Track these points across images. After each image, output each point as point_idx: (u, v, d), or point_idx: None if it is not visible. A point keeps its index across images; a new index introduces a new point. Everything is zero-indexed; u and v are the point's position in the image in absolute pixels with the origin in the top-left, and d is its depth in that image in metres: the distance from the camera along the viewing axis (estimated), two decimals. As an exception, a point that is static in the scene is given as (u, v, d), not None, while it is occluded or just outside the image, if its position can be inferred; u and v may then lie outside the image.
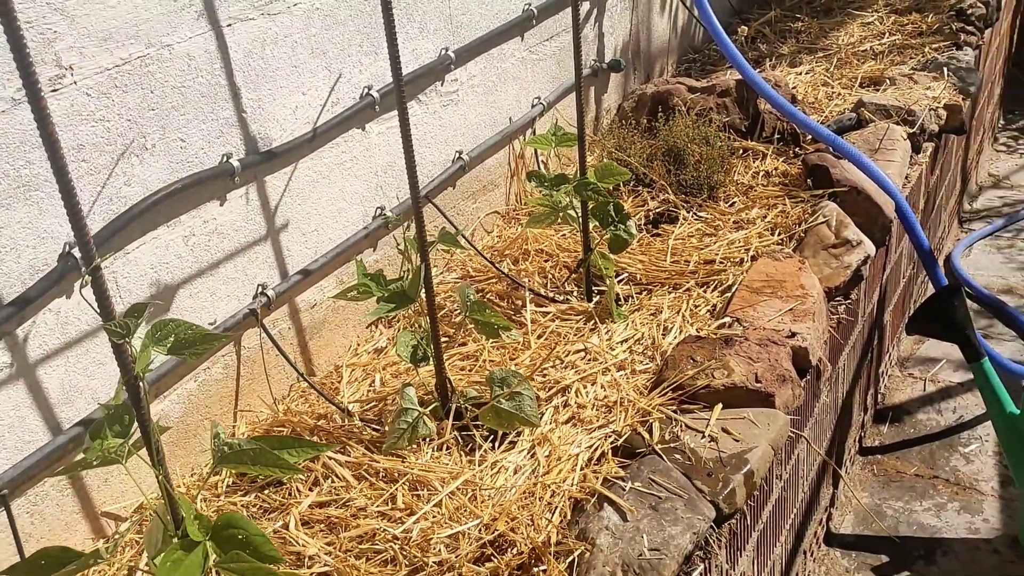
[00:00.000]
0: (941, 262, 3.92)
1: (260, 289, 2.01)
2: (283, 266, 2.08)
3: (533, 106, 2.93)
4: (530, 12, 2.80)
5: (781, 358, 2.01)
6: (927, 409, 3.08)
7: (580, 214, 2.34)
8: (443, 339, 2.27)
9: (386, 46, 2.27)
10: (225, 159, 1.88)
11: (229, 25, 1.86)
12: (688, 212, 2.78)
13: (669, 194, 2.84)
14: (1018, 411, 2.43)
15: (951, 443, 2.92)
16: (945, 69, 3.46)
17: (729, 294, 2.29)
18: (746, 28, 3.98)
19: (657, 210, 2.82)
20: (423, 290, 1.79)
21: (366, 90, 2.22)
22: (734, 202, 2.81)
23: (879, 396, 3.10)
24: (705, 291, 2.36)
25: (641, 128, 3.12)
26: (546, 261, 2.61)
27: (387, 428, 1.86)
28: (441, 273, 2.58)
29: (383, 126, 2.31)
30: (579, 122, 2.25)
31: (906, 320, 2.91)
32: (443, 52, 2.47)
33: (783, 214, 2.67)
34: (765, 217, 2.69)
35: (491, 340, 2.11)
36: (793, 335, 2.08)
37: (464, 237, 2.53)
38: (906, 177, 3.00)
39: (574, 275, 2.49)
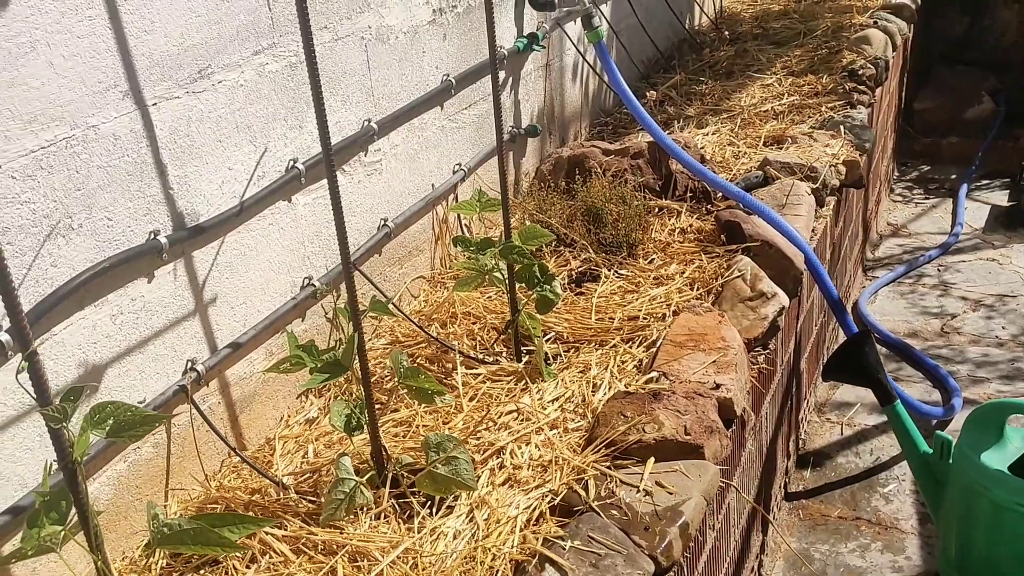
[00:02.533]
0: (849, 309, 4.10)
1: (189, 365, 1.99)
2: (212, 340, 2.07)
3: (455, 172, 3.00)
4: (448, 82, 2.88)
5: (708, 410, 2.08)
6: (846, 452, 3.19)
7: (506, 276, 2.39)
8: (376, 406, 2.28)
9: (310, 119, 2.32)
10: (152, 236, 1.87)
11: (155, 104, 1.87)
12: (609, 270, 2.86)
13: (590, 253, 2.92)
14: (931, 451, 2.54)
15: (871, 484, 3.03)
16: (842, 127, 3.66)
17: (654, 349, 2.36)
18: (654, 92, 4.13)
19: (580, 269, 2.89)
20: (356, 358, 1.80)
21: (292, 162, 2.25)
22: (653, 259, 2.90)
23: (800, 442, 3.20)
24: (631, 347, 2.42)
25: (560, 190, 3.21)
26: (474, 323, 2.64)
27: (324, 499, 1.85)
28: (370, 339, 2.59)
29: (309, 197, 2.33)
30: (502, 188, 2.31)
31: (821, 367, 3.03)
32: (365, 123, 2.52)
33: (700, 269, 2.77)
34: (683, 272, 2.78)
35: (425, 405, 2.12)
36: (718, 387, 2.15)
37: (392, 303, 2.55)
38: (812, 230, 3.15)
39: (503, 336, 2.53)
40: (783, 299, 2.58)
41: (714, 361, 2.23)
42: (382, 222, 2.64)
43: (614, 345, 2.44)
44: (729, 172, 3.43)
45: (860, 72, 4.24)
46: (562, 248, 3.00)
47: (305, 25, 1.57)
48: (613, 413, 2.05)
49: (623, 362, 2.35)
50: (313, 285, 2.34)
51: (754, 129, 3.80)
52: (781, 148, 3.56)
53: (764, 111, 3.99)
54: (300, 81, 2.26)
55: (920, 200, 5.31)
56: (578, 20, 3.60)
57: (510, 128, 3.33)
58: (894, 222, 5.05)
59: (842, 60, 4.51)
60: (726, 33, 4.94)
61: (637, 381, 2.23)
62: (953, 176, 5.55)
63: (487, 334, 2.59)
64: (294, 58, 2.23)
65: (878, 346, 3.74)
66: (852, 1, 5.52)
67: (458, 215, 3.03)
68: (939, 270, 4.41)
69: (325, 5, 2.33)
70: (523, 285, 2.39)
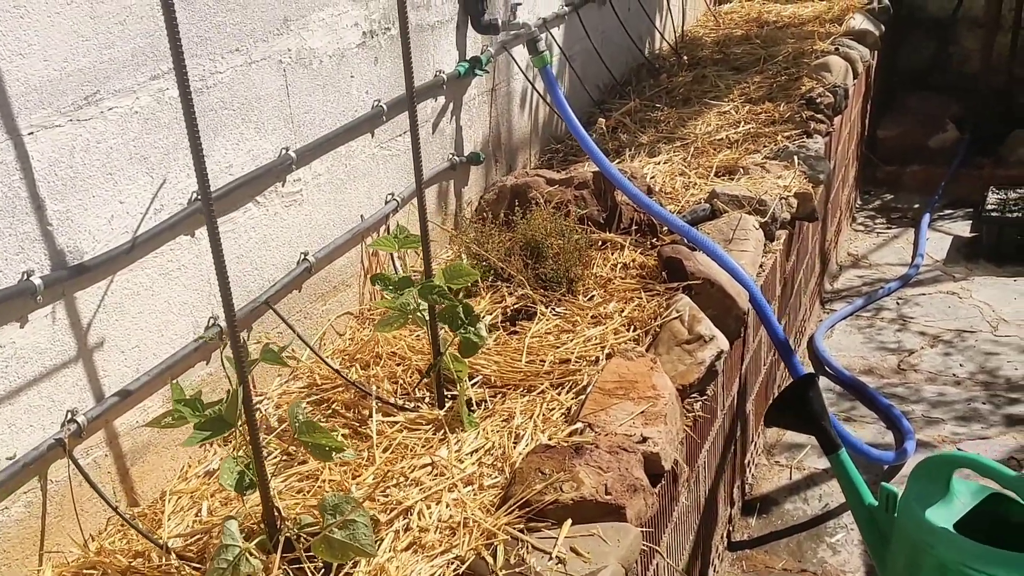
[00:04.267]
0: (804, 344, 3.99)
1: (69, 416, 1.83)
2: (98, 388, 1.91)
3: (387, 202, 2.86)
4: (380, 108, 2.74)
5: (632, 466, 1.94)
6: (794, 498, 3.07)
7: (429, 317, 2.25)
8: (283, 458, 2.13)
9: (219, 146, 2.18)
10: (25, 277, 1.72)
11: (31, 134, 1.72)
12: (547, 307, 2.73)
13: (528, 289, 2.78)
14: (876, 503, 2.42)
15: (818, 533, 2.90)
16: (796, 157, 3.56)
17: (583, 396, 2.22)
18: (604, 120, 4.02)
19: (515, 306, 2.76)
20: (243, 414, 1.66)
21: (195, 195, 2.10)
22: (593, 295, 2.77)
23: (746, 487, 3.07)
24: (560, 393, 2.29)
25: (500, 222, 3.08)
26: (398, 365, 2.50)
27: (207, 568, 1.70)
28: (286, 382, 2.44)
29: (215, 232, 2.18)
30: (422, 223, 2.17)
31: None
32: (283, 152, 2.38)
33: (640, 308, 2.64)
34: (623, 311, 2.65)
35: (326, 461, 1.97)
36: (644, 440, 2.02)
37: (307, 344, 2.40)
38: (760, 265, 3.03)
39: (425, 380, 2.39)
40: (722, 342, 2.46)
41: (643, 412, 2.10)
42: (302, 256, 2.49)
43: (542, 391, 2.30)
44: (678, 203, 3.31)
45: (818, 100, 4.15)
46: (499, 283, 2.87)
47: (176, 49, 1.43)
48: (531, 470, 1.91)
49: (550, 410, 2.22)
50: (219, 325, 2.19)
51: (707, 158, 3.69)
52: (733, 179, 3.45)
53: (719, 139, 3.89)
54: (206, 107, 2.12)
55: (882, 230, 5.22)
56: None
57: (450, 155, 3.19)
58: (855, 252, 4.96)
59: (801, 87, 4.42)
60: (684, 58, 4.85)
61: (561, 432, 2.09)
62: (916, 205, 5.47)
63: (411, 377, 2.44)
64: (199, 83, 2.09)
65: (832, 384, 3.63)
66: (815, 27, 5.45)
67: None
68: (898, 303, 4.32)
69: (238, 27, 2.19)
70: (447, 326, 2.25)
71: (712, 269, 2.70)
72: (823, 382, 3.70)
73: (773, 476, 3.18)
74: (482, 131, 3.41)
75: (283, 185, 2.41)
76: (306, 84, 2.45)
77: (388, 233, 2.82)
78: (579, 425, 2.09)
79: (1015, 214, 4.68)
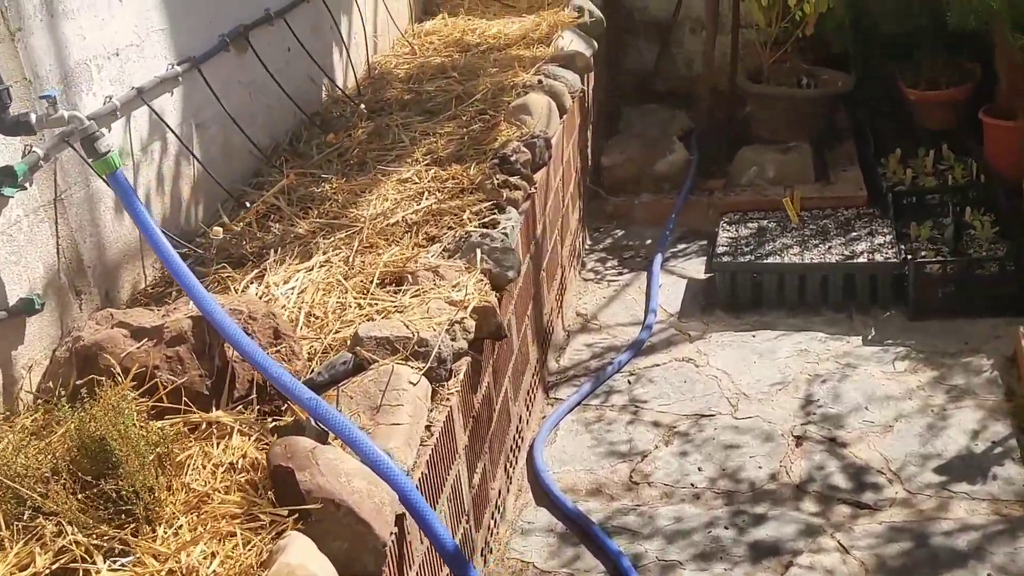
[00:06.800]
0: (525, 458, 3.31)
1: None
2: None
3: None
4: None
5: None
6: None
7: None
8: None
9: None
10: None
11: None
12: (106, 559, 1.85)
13: (78, 532, 1.88)
14: None
15: None
16: (479, 251, 2.83)
17: None
18: (219, 229, 3.05)
19: (53, 566, 1.85)
20: None
21: None
22: (181, 527, 1.91)
23: None
24: None
25: (62, 407, 2.15)
26: None
27: None
28: None
29: None
30: None
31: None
32: None
33: (231, 557, 1.81)
34: (212, 560, 1.81)
35: None
36: None
37: None
38: (428, 428, 2.28)
39: None
40: (340, 624, 1.67)
41: None
42: None
43: None
44: (325, 337, 2.49)
45: (513, 159, 3.45)
46: (41, 520, 1.94)
47: None
48: None
49: None
50: None
51: (374, 257, 2.90)
52: (399, 292, 2.67)
53: (393, 224, 3.10)
54: None
55: (613, 276, 4.66)
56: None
57: (-23, 315, 2.22)
58: (584, 311, 4.36)
59: (498, 136, 3.73)
60: (363, 107, 4.03)
61: None
62: (648, 241, 4.96)
63: None
64: None
65: (555, 521, 2.96)
66: (521, 49, 4.79)
67: None
68: (630, 382, 3.73)
69: None
70: None
71: (340, 478, 1.90)
72: (543, 519, 3.02)
73: None
74: (43, 263, 2.45)
75: None
76: None
77: None
78: None
79: (747, 256, 4.23)
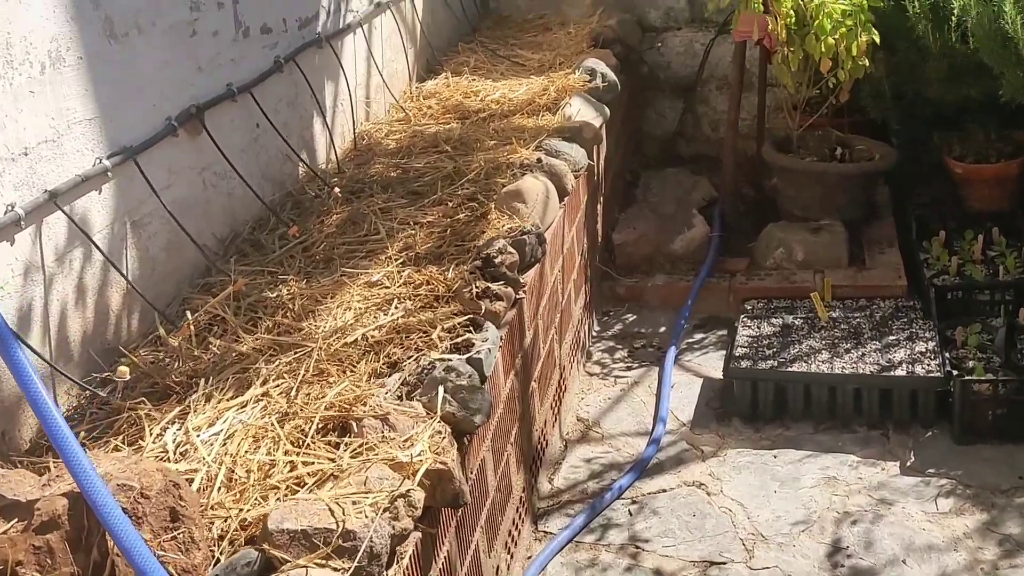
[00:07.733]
0: (500, 615, 2.84)
1: None
2: None
3: None
4: None
5: None
6: None
7: None
8: None
9: None
10: None
11: None
12: None
13: None
14: None
15: None
16: (442, 389, 2.39)
17: None
18: (125, 369, 2.56)
19: None
20: None
21: None
22: None
23: None
24: None
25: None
26: None
27: None
28: None
29: None
30: None
31: None
32: None
33: None
34: None
35: None
36: None
37: None
38: (353, 645, 1.83)
39: None
40: None
41: None
42: None
43: None
44: (237, 515, 2.05)
45: (498, 260, 3.02)
46: None
47: None
48: None
49: None
50: None
51: (322, 388, 2.47)
52: (341, 445, 2.24)
53: (351, 344, 2.67)
54: None
55: (621, 372, 4.20)
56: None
57: None
58: (586, 415, 3.90)
59: (485, 229, 3.30)
60: (337, 191, 3.62)
61: None
62: (662, 328, 4.50)
63: None
64: None
65: None
66: (524, 118, 4.37)
67: None
68: (631, 512, 3.26)
69: None
70: None
71: None
72: None
73: None
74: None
75: None
76: None
77: None
78: None
79: (769, 361, 3.74)
